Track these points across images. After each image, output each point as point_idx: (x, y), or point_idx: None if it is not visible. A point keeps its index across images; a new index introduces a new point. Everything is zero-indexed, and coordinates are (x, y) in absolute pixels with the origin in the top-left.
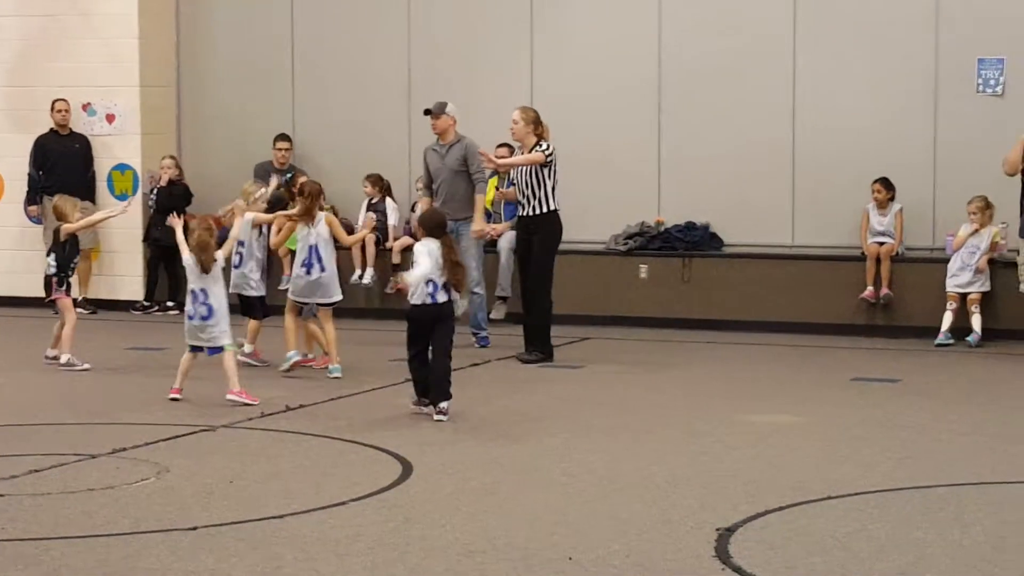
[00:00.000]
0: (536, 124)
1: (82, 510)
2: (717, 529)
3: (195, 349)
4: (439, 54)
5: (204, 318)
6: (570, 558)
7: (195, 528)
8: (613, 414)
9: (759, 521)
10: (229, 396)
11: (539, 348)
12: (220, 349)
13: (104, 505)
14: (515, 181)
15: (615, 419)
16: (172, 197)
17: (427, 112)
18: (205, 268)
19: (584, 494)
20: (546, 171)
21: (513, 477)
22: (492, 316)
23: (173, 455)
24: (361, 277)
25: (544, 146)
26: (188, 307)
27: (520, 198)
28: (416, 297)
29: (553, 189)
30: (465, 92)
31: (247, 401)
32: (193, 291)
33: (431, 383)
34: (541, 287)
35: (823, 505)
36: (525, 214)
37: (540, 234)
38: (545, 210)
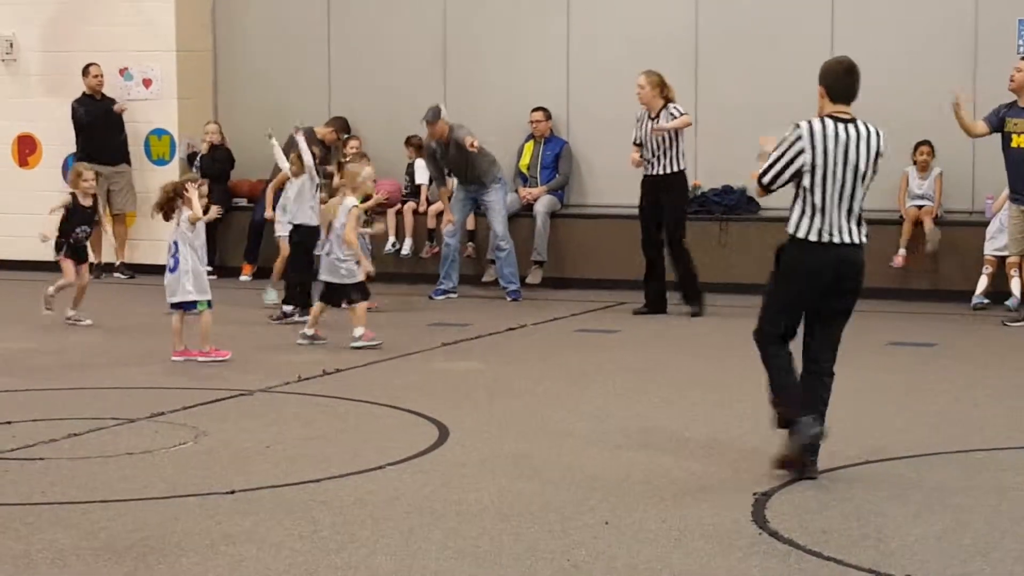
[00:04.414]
0: (662, 87)
1: (120, 474)
2: (753, 494)
3: (174, 306)
4: (474, 17)
5: (171, 270)
6: (607, 523)
7: (232, 492)
8: (649, 379)
9: (795, 486)
10: (199, 358)
11: (696, 300)
12: (193, 306)
13: (142, 469)
14: (643, 141)
15: (651, 384)
16: (216, 163)
17: (423, 121)
18: (162, 213)
19: (620, 459)
20: (682, 132)
21: (549, 441)
22: (528, 280)
23: (211, 419)
24: (396, 247)
25: (682, 108)
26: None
27: (650, 157)
28: None
29: (682, 150)
30: (500, 56)
31: (216, 358)
32: (169, 243)
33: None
34: (681, 243)
35: (859, 470)
36: (653, 173)
37: (672, 193)
38: (675, 169)
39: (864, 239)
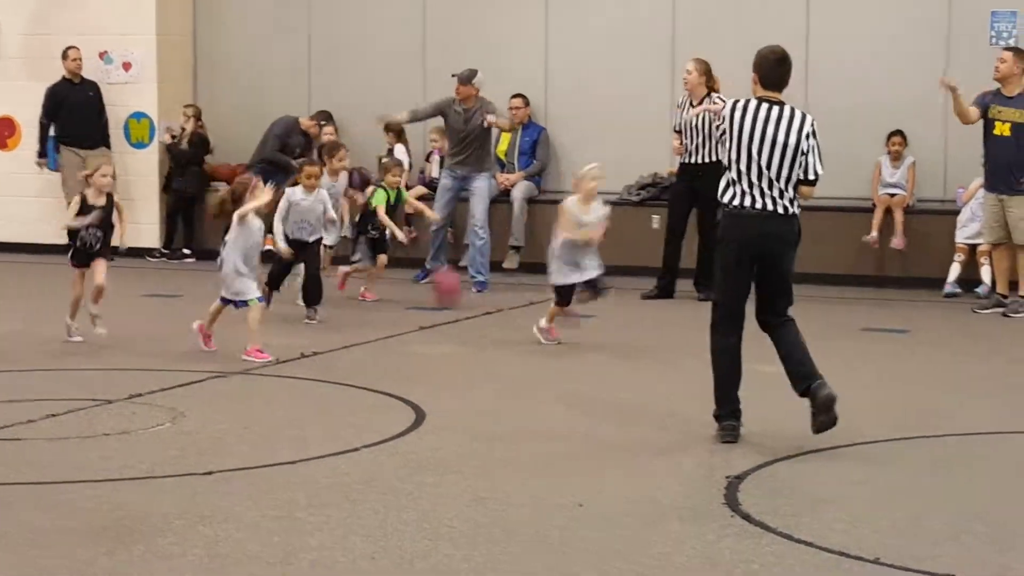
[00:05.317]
0: (708, 75)
1: (99, 454)
2: (727, 477)
3: (224, 301)
4: (453, 4)
5: (219, 268)
6: (580, 505)
7: (210, 473)
8: (625, 364)
9: (768, 469)
10: (244, 356)
11: (709, 287)
12: (245, 303)
13: (120, 450)
14: (683, 128)
15: (626, 369)
16: (191, 147)
17: (455, 75)
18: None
19: (595, 441)
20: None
21: (524, 424)
22: (505, 265)
23: (188, 401)
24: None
25: (726, 98)
26: None
27: (689, 146)
28: None
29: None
30: (479, 44)
31: (255, 358)
32: (223, 242)
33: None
34: (714, 231)
35: (832, 454)
36: (692, 161)
37: (708, 182)
38: (713, 159)
39: (786, 210)
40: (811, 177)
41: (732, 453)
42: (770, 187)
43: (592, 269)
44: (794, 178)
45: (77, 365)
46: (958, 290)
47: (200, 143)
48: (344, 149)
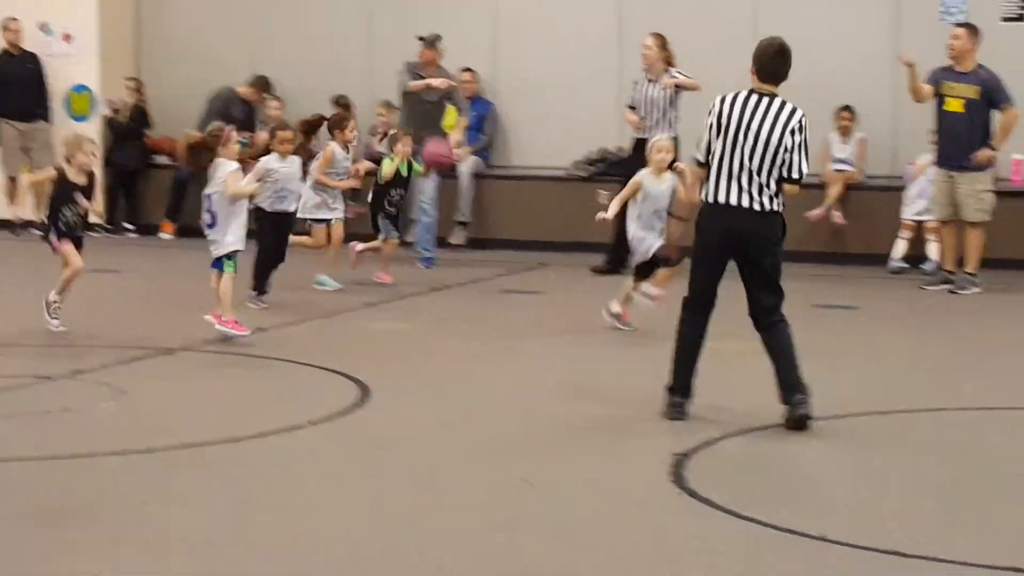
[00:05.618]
0: (666, 50)
1: (40, 432)
2: (673, 454)
3: (216, 263)
4: None
5: (208, 226)
6: (531, 483)
7: (152, 451)
8: (571, 341)
9: (716, 446)
10: (210, 318)
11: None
12: (220, 263)
13: (62, 427)
14: (638, 104)
15: (573, 345)
16: (131, 121)
17: (421, 39)
18: (188, 162)
19: (542, 419)
20: (679, 97)
21: (471, 403)
22: (452, 241)
23: (131, 378)
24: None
25: (685, 72)
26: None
27: (648, 121)
28: None
29: (678, 115)
30: (430, 16)
31: (232, 331)
32: (205, 195)
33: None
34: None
35: (780, 432)
36: (647, 137)
37: None
38: (673, 135)
39: (766, 207)
40: (794, 176)
41: (680, 430)
42: (749, 182)
43: (659, 234)
44: (775, 173)
45: (17, 341)
46: (904, 266)
47: (140, 116)
48: (352, 120)
